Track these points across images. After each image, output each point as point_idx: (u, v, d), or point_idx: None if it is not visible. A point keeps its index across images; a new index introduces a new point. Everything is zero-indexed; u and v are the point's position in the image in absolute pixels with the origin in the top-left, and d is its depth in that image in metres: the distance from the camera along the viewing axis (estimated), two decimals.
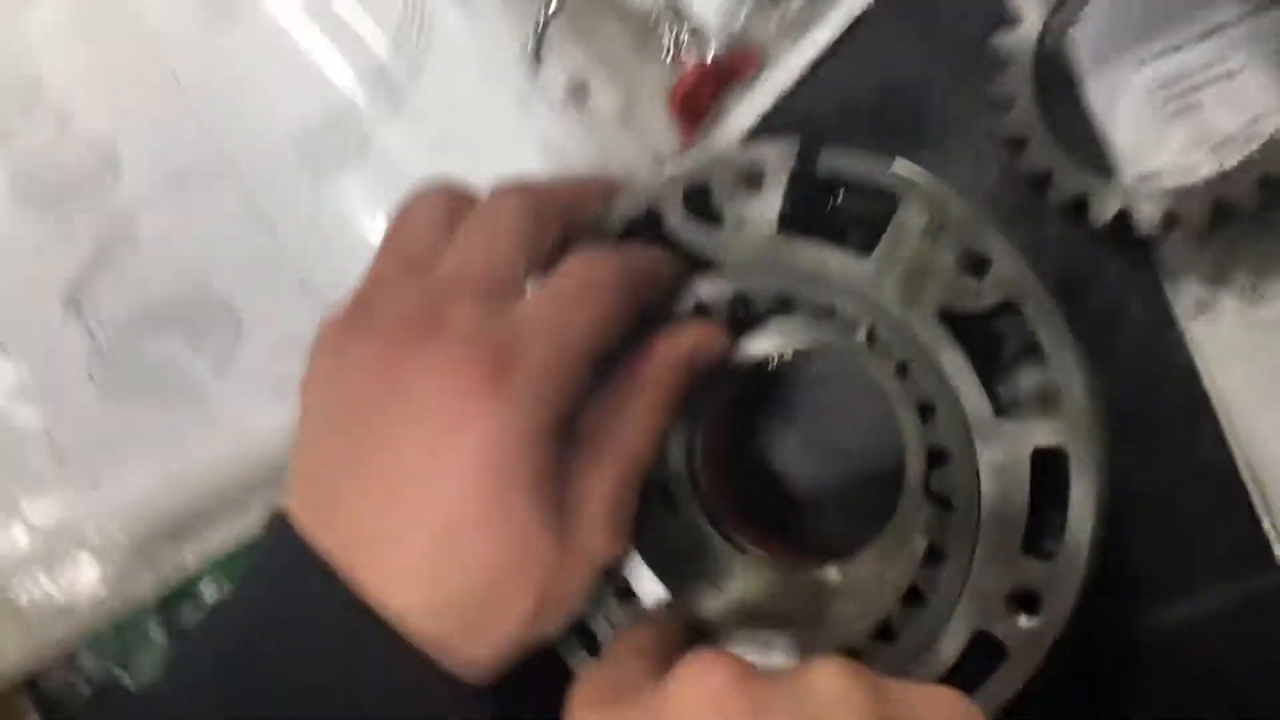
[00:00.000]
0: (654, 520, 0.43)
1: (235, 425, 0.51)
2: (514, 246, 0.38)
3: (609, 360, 0.39)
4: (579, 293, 0.37)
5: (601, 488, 0.38)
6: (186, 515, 0.51)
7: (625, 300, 0.38)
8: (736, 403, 0.46)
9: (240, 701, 0.36)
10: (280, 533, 0.37)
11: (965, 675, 0.36)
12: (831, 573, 0.41)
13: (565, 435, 0.38)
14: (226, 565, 0.53)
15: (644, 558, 0.41)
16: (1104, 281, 0.41)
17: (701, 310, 0.40)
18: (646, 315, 0.40)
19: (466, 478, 0.34)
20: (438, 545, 0.35)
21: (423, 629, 0.35)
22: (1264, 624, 0.39)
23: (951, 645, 0.36)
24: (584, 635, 0.41)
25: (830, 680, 0.28)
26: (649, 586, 0.41)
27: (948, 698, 0.29)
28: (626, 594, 0.41)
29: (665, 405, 0.40)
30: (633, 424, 0.39)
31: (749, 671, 0.30)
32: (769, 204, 0.39)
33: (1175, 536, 0.40)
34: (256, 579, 0.39)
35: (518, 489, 0.35)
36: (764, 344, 0.42)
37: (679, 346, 0.40)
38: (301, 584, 0.36)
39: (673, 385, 0.40)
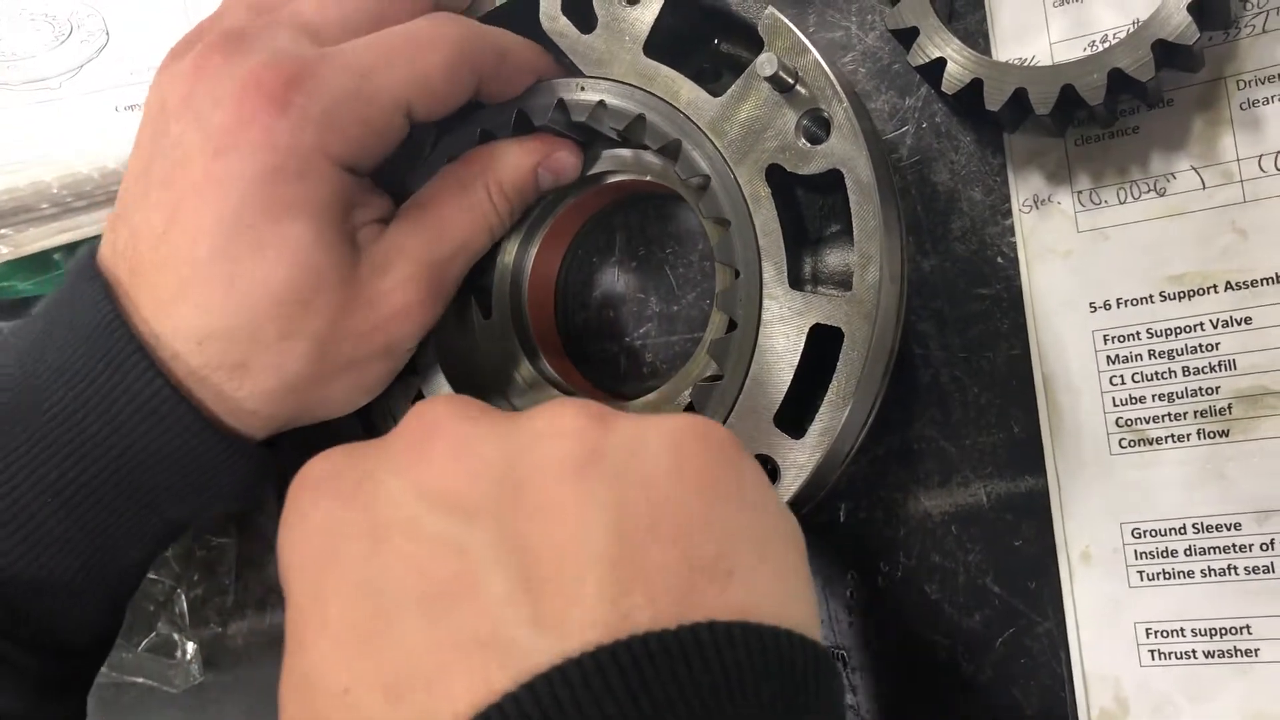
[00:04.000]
0: (463, 327, 0.42)
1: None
2: (360, 8, 0.36)
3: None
4: (406, 42, 0.35)
5: (419, 252, 0.36)
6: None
7: (459, 65, 0.36)
8: (577, 229, 0.45)
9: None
10: (82, 253, 0.36)
11: None
12: (617, 404, 0.41)
13: (373, 187, 0.37)
14: None
15: (443, 364, 0.40)
16: (954, 157, 0.40)
17: (561, 109, 0.38)
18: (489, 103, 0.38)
19: (240, 190, 0.33)
20: (210, 262, 0.33)
21: (189, 359, 0.34)
22: (1016, 524, 0.39)
23: None
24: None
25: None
26: (443, 393, 0.40)
27: (680, 418, 0.28)
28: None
29: (508, 207, 0.39)
30: (471, 212, 0.38)
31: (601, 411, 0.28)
32: (644, 17, 0.37)
33: (958, 426, 0.39)
34: (49, 297, 0.37)
35: (296, 208, 0.33)
36: (612, 168, 0.41)
37: (535, 152, 0.39)
38: (76, 300, 0.35)
39: (522, 191, 0.39)
